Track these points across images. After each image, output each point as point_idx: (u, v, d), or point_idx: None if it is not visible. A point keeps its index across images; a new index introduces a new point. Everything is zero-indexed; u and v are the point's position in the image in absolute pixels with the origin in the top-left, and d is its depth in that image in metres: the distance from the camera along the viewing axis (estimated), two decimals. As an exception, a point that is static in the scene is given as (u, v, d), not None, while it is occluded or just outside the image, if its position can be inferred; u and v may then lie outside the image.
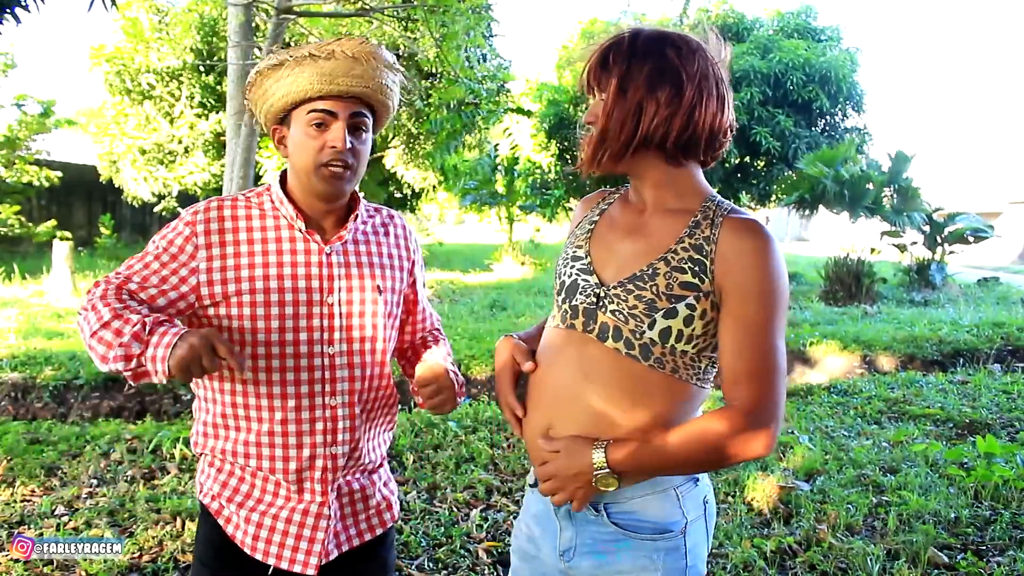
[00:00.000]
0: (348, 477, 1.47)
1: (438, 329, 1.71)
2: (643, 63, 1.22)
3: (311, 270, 1.39)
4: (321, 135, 1.36)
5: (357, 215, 1.46)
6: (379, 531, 1.52)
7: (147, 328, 1.21)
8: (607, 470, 1.19)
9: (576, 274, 1.29)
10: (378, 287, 1.46)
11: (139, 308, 1.28)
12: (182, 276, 1.35)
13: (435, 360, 1.49)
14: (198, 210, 1.39)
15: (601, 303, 1.24)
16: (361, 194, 1.54)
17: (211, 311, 1.37)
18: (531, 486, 1.39)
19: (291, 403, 1.38)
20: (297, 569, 1.39)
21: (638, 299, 1.20)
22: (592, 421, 1.23)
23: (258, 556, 1.40)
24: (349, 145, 1.36)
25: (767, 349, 1.16)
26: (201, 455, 1.48)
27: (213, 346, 1.17)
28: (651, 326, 1.19)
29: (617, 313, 1.22)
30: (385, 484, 1.56)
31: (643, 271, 1.22)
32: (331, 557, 1.42)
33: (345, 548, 1.45)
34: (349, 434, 1.43)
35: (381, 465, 1.57)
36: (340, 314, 1.40)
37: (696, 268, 1.19)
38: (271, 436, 1.38)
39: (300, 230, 1.40)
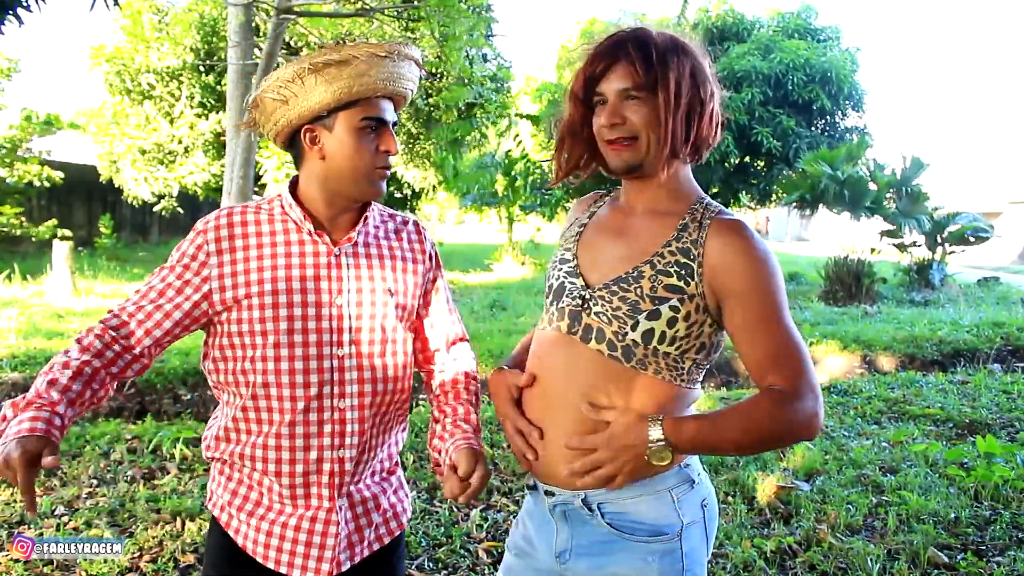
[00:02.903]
0: (360, 484, 1.45)
1: (473, 377, 1.57)
2: (683, 64, 1.23)
3: (320, 271, 1.38)
4: (374, 140, 1.37)
5: (367, 217, 1.46)
6: (388, 540, 1.49)
7: (18, 407, 1.25)
8: (664, 442, 1.16)
9: (564, 276, 1.30)
10: (389, 290, 1.44)
11: (75, 374, 1.30)
12: (195, 285, 1.37)
13: (472, 455, 1.31)
14: (209, 219, 1.40)
15: (586, 305, 1.24)
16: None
17: (223, 316, 1.38)
18: (530, 488, 1.38)
19: (300, 405, 1.37)
20: None
21: (622, 300, 1.21)
22: (580, 424, 1.23)
23: (270, 565, 1.39)
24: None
25: (781, 333, 1.18)
26: (213, 461, 1.46)
27: (16, 471, 1.15)
28: (634, 327, 1.20)
29: (601, 315, 1.23)
30: (395, 491, 1.54)
31: (628, 273, 1.23)
32: (344, 567, 1.41)
33: (358, 559, 1.44)
34: (357, 438, 1.41)
35: (393, 471, 1.55)
36: (349, 315, 1.39)
37: (683, 272, 1.21)
38: (278, 439, 1.37)
39: (309, 232, 1.39)
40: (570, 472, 1.22)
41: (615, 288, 1.23)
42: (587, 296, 1.25)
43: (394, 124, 1.40)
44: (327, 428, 1.38)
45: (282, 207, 1.42)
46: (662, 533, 1.24)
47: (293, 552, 1.39)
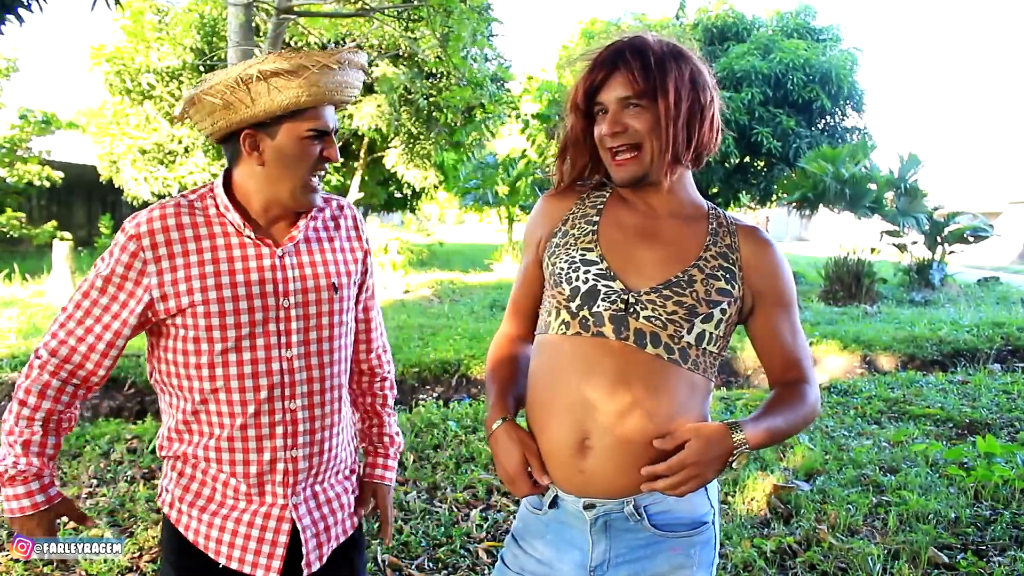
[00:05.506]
0: (324, 484, 1.46)
1: (389, 382, 1.67)
2: (682, 70, 1.23)
3: (264, 275, 1.36)
4: (318, 149, 1.37)
5: (308, 214, 1.44)
6: (343, 537, 1.51)
7: (6, 481, 1.34)
8: (747, 447, 1.20)
9: (594, 279, 1.26)
10: (333, 285, 1.43)
11: (44, 427, 1.36)
12: (138, 296, 1.33)
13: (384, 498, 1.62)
14: (139, 222, 1.33)
15: (632, 309, 1.23)
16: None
17: (168, 322, 1.35)
18: (535, 509, 1.34)
19: (251, 408, 1.36)
20: (259, 574, 1.38)
21: (677, 304, 1.23)
22: (638, 427, 1.21)
23: (221, 560, 1.39)
24: None
25: (803, 336, 1.36)
26: (166, 459, 1.45)
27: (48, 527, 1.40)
28: (689, 331, 1.23)
29: (653, 319, 1.22)
30: (353, 490, 1.55)
31: (678, 277, 1.25)
32: (314, 568, 1.42)
33: (326, 558, 1.45)
34: (309, 436, 1.41)
35: (354, 471, 1.56)
36: (296, 317, 1.38)
37: (727, 275, 1.27)
38: (231, 441, 1.37)
39: (249, 237, 1.37)
40: (665, 488, 1.20)
41: (667, 292, 1.23)
42: (632, 300, 1.23)
43: (334, 131, 1.40)
44: (279, 430, 1.38)
45: (217, 208, 1.38)
46: (701, 523, 1.29)
47: (245, 548, 1.38)
